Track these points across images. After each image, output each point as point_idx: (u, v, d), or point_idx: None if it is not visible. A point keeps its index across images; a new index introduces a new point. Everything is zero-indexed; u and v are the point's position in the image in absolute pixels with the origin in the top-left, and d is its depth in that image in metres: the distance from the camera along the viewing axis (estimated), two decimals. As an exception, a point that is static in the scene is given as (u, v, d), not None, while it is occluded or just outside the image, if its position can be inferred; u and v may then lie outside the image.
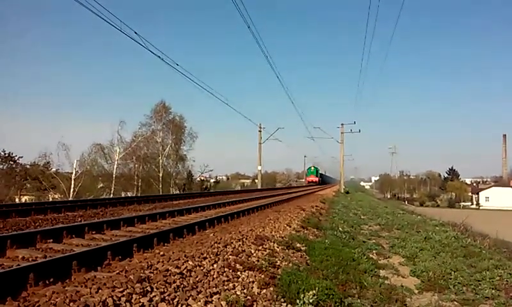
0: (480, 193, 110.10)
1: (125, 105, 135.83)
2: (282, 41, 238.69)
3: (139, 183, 47.44)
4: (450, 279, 8.73)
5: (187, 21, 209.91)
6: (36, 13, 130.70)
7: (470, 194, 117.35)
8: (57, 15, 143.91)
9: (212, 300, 5.08)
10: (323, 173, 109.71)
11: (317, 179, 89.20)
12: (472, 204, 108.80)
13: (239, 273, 6.41)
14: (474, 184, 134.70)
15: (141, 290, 4.76)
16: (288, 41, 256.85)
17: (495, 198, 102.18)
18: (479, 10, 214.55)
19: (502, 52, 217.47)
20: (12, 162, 38.76)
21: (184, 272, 5.80)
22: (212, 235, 9.66)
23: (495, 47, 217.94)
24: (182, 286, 5.26)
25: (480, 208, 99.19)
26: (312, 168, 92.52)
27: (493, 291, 7.93)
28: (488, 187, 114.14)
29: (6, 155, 38.42)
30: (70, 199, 33.42)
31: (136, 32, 17.54)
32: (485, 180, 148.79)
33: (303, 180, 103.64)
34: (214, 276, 5.97)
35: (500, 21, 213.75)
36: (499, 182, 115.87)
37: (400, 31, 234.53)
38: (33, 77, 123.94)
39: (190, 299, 4.96)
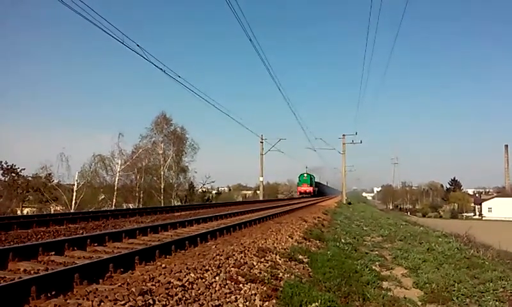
0: (483, 204, 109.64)
1: (127, 116, 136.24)
2: (283, 52, 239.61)
3: (141, 195, 47.38)
4: (454, 290, 8.69)
5: (188, 33, 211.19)
6: (36, 25, 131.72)
7: (472, 204, 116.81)
8: (57, 26, 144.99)
9: (215, 313, 5.07)
10: (320, 182, 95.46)
11: (311, 189, 73.46)
12: (475, 215, 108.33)
13: (241, 285, 6.39)
14: (477, 195, 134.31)
15: (143, 303, 4.75)
16: (289, 53, 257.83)
17: (497, 209, 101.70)
18: (481, 20, 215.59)
19: (503, 63, 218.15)
20: (14, 174, 38.77)
21: (186, 284, 5.79)
22: (214, 247, 9.64)
23: (496, 56, 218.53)
24: (184, 298, 5.25)
25: (483, 218, 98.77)
26: (305, 176, 74.91)
27: (497, 302, 7.90)
28: (491, 198, 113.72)
29: (8, 166, 38.46)
30: (72, 211, 33.39)
31: (138, 45, 17.66)
32: (488, 190, 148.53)
33: None
34: (216, 289, 5.96)
35: (501, 31, 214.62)
36: (502, 193, 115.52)
37: (402, 41, 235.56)
38: (33, 87, 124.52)
39: (192, 311, 4.94)
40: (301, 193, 73.05)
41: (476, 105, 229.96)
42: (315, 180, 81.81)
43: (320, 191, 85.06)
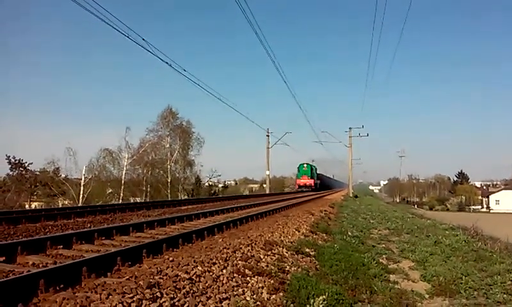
0: (490, 196, 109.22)
1: (133, 111, 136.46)
2: (288, 44, 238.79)
3: (148, 189, 47.57)
4: (461, 283, 8.65)
5: (194, 27, 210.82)
6: (42, 20, 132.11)
7: (480, 197, 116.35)
8: (62, 21, 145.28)
9: (222, 306, 5.08)
10: (323, 174, 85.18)
11: (311, 182, 62.31)
12: (482, 207, 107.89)
13: (248, 278, 6.40)
14: (484, 187, 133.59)
15: (151, 296, 4.77)
16: (294, 45, 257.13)
17: (505, 201, 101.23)
18: (488, 10, 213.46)
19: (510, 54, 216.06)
20: (22, 169, 39.00)
21: (194, 277, 5.80)
22: (221, 240, 9.66)
23: (503, 48, 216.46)
24: (192, 291, 5.27)
25: (491, 211, 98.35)
26: (305, 166, 63.27)
27: (505, 295, 7.85)
28: (498, 190, 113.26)
29: (16, 161, 38.69)
30: (80, 205, 33.61)
31: (143, 39, 17.67)
32: (495, 183, 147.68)
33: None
34: (224, 282, 5.97)
35: (508, 25, 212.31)
36: (509, 185, 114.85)
37: (408, 32, 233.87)
38: (38, 82, 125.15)
39: (200, 304, 4.96)
40: (300, 186, 62.13)
41: (484, 96, 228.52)
42: (318, 172, 72.18)
43: (323, 184, 75.69)
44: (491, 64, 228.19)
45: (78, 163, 40.57)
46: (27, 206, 35.99)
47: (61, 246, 7.69)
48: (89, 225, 11.47)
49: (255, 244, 9.15)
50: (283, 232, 11.96)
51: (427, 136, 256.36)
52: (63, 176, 41.01)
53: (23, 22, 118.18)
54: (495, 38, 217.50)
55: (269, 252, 8.59)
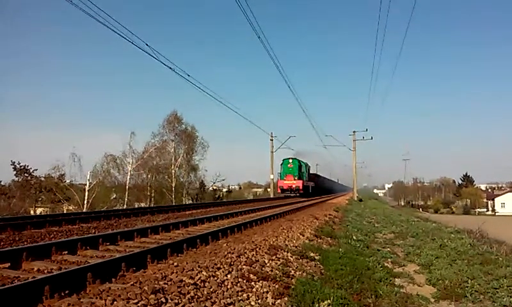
0: (495, 199, 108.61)
1: (137, 116, 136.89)
2: (292, 48, 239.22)
3: (152, 194, 47.66)
4: (467, 287, 8.61)
5: (197, 31, 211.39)
6: (46, 24, 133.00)
7: (485, 200, 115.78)
8: (67, 26, 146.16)
9: (227, 311, 5.08)
10: (321, 175, 72.00)
11: (300, 184, 46.67)
12: (488, 210, 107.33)
13: (253, 283, 6.39)
14: (489, 190, 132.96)
15: (156, 302, 4.77)
16: (298, 48, 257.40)
17: (511, 204, 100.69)
18: (493, 13, 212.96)
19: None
20: (27, 175, 39.18)
21: (198, 282, 5.80)
22: (225, 245, 9.65)
23: (507, 50, 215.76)
24: (196, 297, 5.26)
25: (496, 214, 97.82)
26: (290, 163, 47.55)
27: (511, 299, 7.81)
28: (504, 193, 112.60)
29: (21, 167, 38.87)
30: (84, 210, 33.68)
31: (147, 44, 17.74)
32: (500, 185, 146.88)
33: None
34: (228, 287, 5.96)
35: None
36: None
37: (412, 35, 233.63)
38: (44, 87, 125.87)
39: (204, 309, 4.96)
40: (283, 190, 47.29)
41: (488, 99, 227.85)
42: (311, 172, 59.39)
43: (320, 187, 63.27)
44: (495, 65, 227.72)
45: (82, 168, 40.80)
46: (32, 212, 36.15)
47: (66, 252, 7.69)
48: (93, 230, 11.49)
49: (260, 248, 9.14)
50: (288, 236, 11.95)
51: (431, 139, 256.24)
52: (68, 181, 41.21)
53: (26, 26, 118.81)
54: (499, 37, 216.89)
55: (273, 257, 8.58)
